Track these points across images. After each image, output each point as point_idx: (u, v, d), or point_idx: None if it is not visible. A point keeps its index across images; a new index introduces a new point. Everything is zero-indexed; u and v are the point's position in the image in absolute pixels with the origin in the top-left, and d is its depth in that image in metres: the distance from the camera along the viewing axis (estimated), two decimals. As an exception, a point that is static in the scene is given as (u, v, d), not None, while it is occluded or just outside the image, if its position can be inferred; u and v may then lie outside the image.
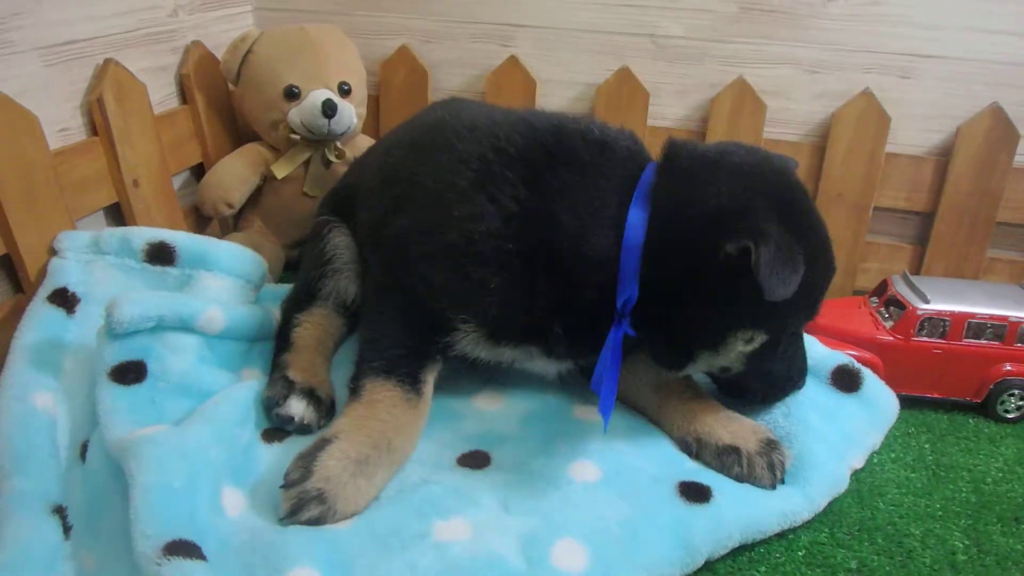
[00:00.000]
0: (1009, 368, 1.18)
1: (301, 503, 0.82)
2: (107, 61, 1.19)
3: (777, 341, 0.97)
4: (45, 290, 1.04)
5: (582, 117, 1.02)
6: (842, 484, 1.00)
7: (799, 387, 1.05)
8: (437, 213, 0.96)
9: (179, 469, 0.81)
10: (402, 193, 1.02)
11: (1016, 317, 1.16)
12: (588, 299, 0.90)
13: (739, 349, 0.97)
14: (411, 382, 0.94)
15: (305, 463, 0.84)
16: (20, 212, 1.03)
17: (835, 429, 1.03)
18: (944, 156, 1.40)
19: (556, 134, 0.96)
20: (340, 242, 1.18)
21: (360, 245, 1.14)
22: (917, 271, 1.46)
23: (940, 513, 1.01)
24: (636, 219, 0.90)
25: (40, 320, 1.01)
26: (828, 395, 1.08)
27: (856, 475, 1.05)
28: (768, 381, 1.03)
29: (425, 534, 0.83)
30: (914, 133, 1.41)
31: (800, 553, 0.93)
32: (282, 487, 0.82)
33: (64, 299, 1.04)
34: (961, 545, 0.96)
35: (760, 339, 0.96)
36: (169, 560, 0.72)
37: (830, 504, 0.99)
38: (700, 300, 0.91)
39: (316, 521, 0.81)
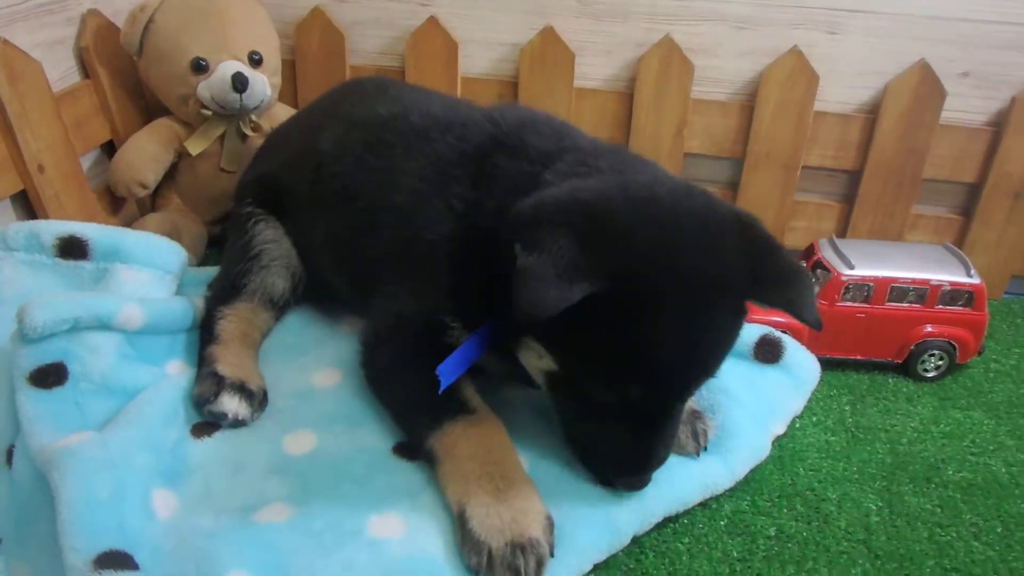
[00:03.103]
0: (930, 329, 1.25)
1: (513, 565, 0.83)
2: (-6, 40, 1.13)
3: (575, 384, 0.88)
4: (-54, 293, 0.99)
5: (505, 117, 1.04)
6: (763, 452, 1.06)
7: (609, 483, 0.93)
8: (408, 230, 1.01)
9: (104, 480, 0.83)
10: (366, 215, 1.07)
11: (937, 280, 1.23)
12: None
13: (533, 362, 0.91)
14: (457, 410, 0.95)
15: (477, 548, 0.85)
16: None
17: (757, 398, 1.10)
18: (872, 114, 1.46)
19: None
20: (267, 236, 1.20)
21: (304, 251, 1.19)
22: (844, 229, 1.54)
23: (856, 476, 1.08)
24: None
25: (-51, 325, 0.96)
26: (750, 367, 1.13)
27: (778, 441, 1.12)
28: (574, 434, 0.94)
29: (359, 531, 0.86)
30: (842, 90, 1.46)
31: (722, 522, 1.00)
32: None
33: (-29, 301, 0.98)
34: (875, 507, 1.03)
35: (548, 362, 0.88)
36: (101, 573, 0.75)
37: (752, 471, 1.05)
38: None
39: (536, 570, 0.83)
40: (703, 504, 1.01)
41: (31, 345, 0.95)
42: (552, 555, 0.85)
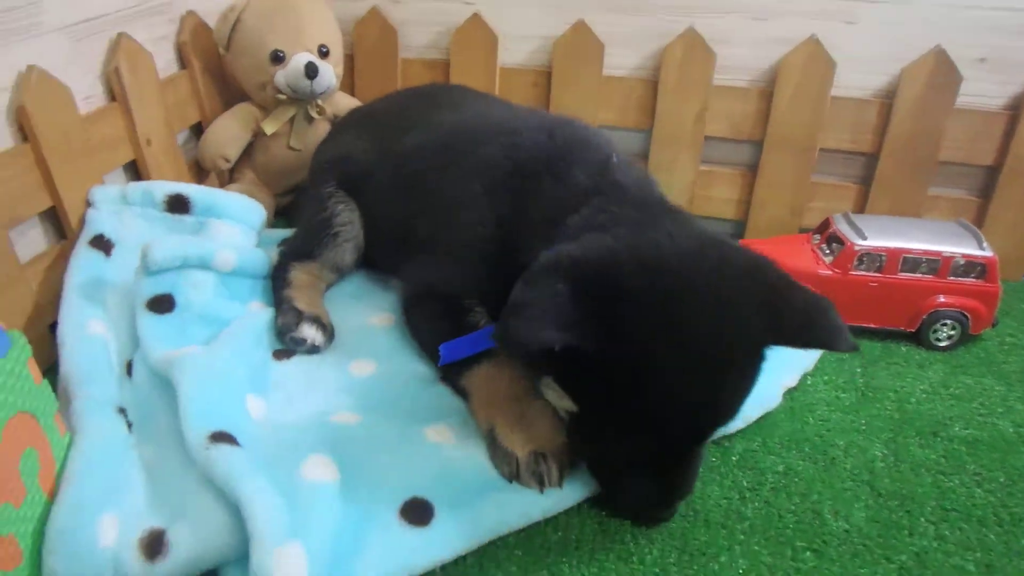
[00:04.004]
0: (942, 300, 1.27)
1: (536, 471, 0.91)
2: (120, 35, 1.33)
3: (590, 425, 0.88)
4: (85, 237, 1.21)
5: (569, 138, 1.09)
6: (773, 400, 1.11)
7: (628, 516, 0.92)
8: (457, 219, 1.10)
9: (213, 379, 0.98)
10: (426, 202, 1.17)
11: (949, 252, 1.26)
12: None
13: (555, 400, 0.92)
14: (483, 355, 1.02)
15: (507, 458, 0.93)
16: (61, 171, 1.19)
17: (770, 351, 1.09)
18: (888, 98, 1.52)
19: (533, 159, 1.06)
20: (344, 218, 1.32)
21: (371, 228, 1.31)
22: (862, 210, 1.60)
23: (864, 428, 1.11)
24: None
25: (85, 262, 1.17)
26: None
27: (790, 393, 1.16)
28: (597, 471, 0.93)
29: (418, 435, 0.99)
30: (859, 76, 1.52)
31: (734, 458, 1.04)
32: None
33: (102, 244, 1.20)
34: (880, 454, 1.06)
35: (568, 404, 0.89)
36: (214, 446, 0.87)
37: (764, 418, 1.10)
38: None
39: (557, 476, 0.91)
40: (715, 442, 1.06)
41: (150, 277, 1.12)
42: (573, 465, 0.95)
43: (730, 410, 0.85)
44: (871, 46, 1.48)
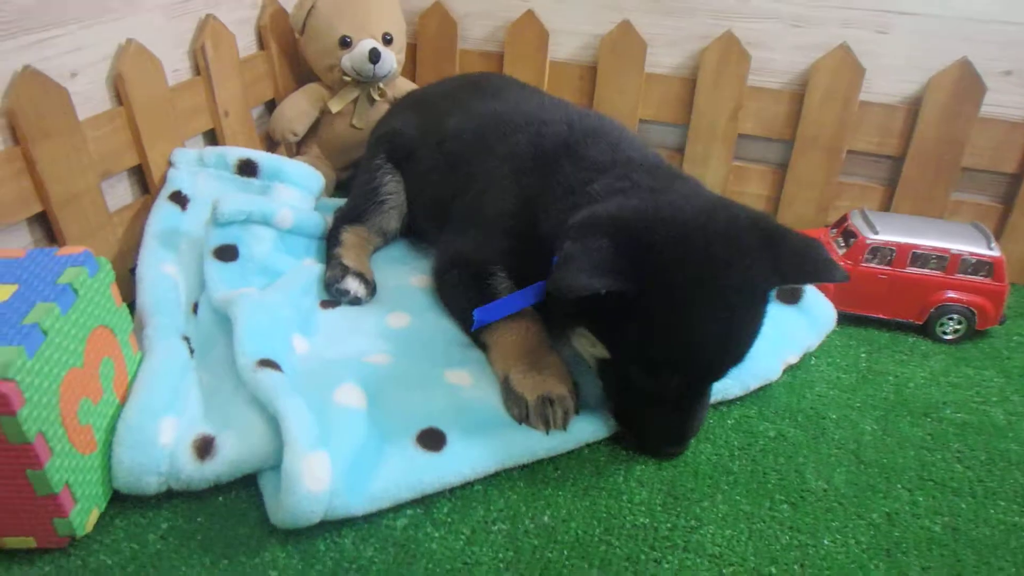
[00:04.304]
0: (950, 295, 1.30)
1: (543, 413, 0.99)
2: (207, 16, 1.46)
3: (621, 369, 0.97)
4: (165, 192, 1.34)
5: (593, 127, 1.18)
6: (773, 373, 1.16)
7: (652, 452, 1.01)
8: (487, 197, 1.20)
9: (264, 315, 1.10)
10: (463, 181, 1.27)
11: (957, 250, 1.29)
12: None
13: (587, 348, 1.01)
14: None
15: (518, 402, 1.01)
16: (149, 134, 1.33)
17: (774, 328, 1.15)
18: (915, 105, 1.55)
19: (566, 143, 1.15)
20: (391, 187, 1.43)
21: (413, 198, 1.42)
22: (886, 210, 1.59)
23: (859, 405, 1.15)
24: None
25: (163, 214, 1.30)
26: (772, 306, 1.19)
27: (791, 370, 1.21)
28: (621, 410, 1.01)
29: (439, 377, 1.08)
30: (887, 83, 1.56)
31: (729, 422, 1.10)
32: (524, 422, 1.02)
33: (179, 199, 1.34)
34: (870, 429, 1.10)
35: (600, 350, 0.98)
36: (261, 369, 0.98)
37: (762, 389, 1.15)
38: None
39: (562, 419, 1.00)
40: (713, 407, 1.11)
41: (218, 228, 1.24)
42: (577, 412, 1.03)
43: (744, 347, 0.95)
44: (900, 55, 1.50)
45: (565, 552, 0.87)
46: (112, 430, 0.90)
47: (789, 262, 0.93)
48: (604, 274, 0.86)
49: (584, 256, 0.87)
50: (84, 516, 0.85)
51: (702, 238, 0.91)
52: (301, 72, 1.73)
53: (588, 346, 1.00)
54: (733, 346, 0.94)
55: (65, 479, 0.81)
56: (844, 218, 1.39)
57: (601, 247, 0.88)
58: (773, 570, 0.86)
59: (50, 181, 1.12)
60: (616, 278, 0.86)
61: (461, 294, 1.19)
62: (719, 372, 0.97)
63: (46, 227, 1.16)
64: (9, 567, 0.83)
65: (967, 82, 1.45)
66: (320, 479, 0.84)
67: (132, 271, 1.22)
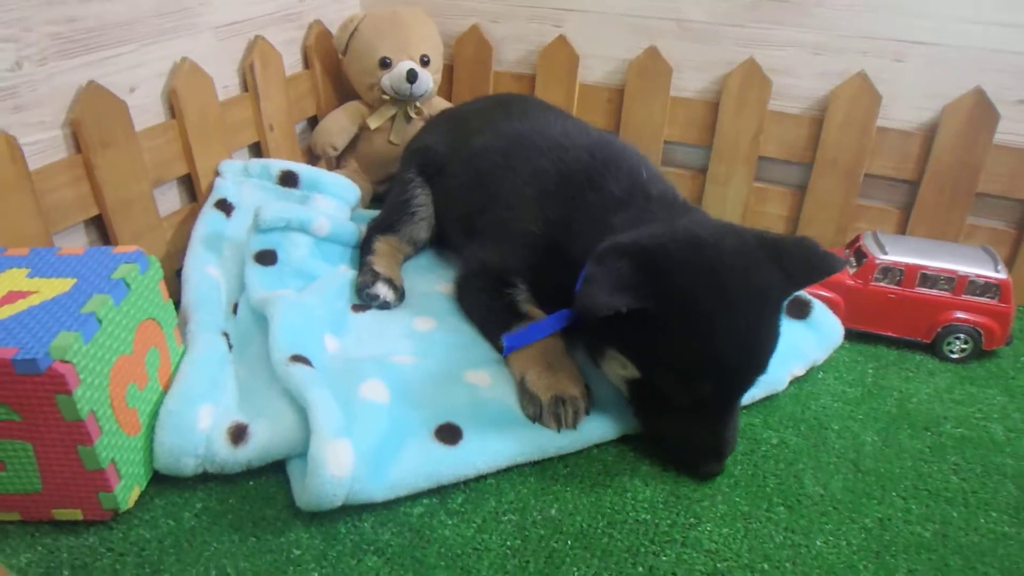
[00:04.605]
0: (957, 315, 1.31)
1: (556, 412, 1.03)
2: (256, 37, 1.53)
3: (650, 387, 0.99)
4: (211, 200, 1.40)
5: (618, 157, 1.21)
6: (780, 384, 1.18)
7: (692, 468, 1.00)
8: (511, 214, 1.24)
9: (298, 315, 1.15)
10: (488, 198, 1.31)
11: (964, 272, 1.30)
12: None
13: (617, 371, 1.03)
14: (520, 318, 1.16)
15: (532, 401, 1.05)
16: (198, 145, 1.39)
17: (781, 341, 1.17)
18: (930, 132, 1.55)
19: (588, 169, 1.19)
20: (421, 200, 1.48)
21: (441, 210, 1.46)
22: (903, 233, 1.60)
23: (861, 417, 1.17)
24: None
25: (209, 220, 1.37)
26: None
27: (798, 382, 1.23)
28: (657, 434, 1.03)
29: (459, 376, 1.12)
30: (904, 110, 1.56)
31: None
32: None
33: (224, 206, 1.40)
34: (870, 440, 1.12)
35: (631, 371, 1.00)
36: (293, 364, 1.03)
37: (768, 399, 1.18)
38: None
39: (573, 419, 1.04)
40: None
41: (259, 234, 1.30)
42: (588, 412, 1.06)
43: (767, 354, 0.98)
44: (917, 83, 1.51)
45: (569, 542, 0.90)
46: (155, 415, 0.95)
47: (794, 266, 0.98)
48: (624, 292, 0.91)
49: (605, 277, 0.92)
50: (127, 492, 0.90)
51: (716, 253, 0.95)
52: (343, 90, 1.80)
53: (619, 368, 1.02)
54: (757, 352, 0.96)
55: (111, 456, 0.87)
56: (856, 239, 1.40)
57: (621, 268, 0.93)
58: (765, 566, 0.89)
59: (107, 187, 1.19)
60: (635, 295, 0.91)
61: (482, 302, 1.24)
62: (746, 379, 0.98)
63: (101, 229, 1.23)
64: (57, 537, 0.89)
65: (981, 110, 1.46)
66: (343, 465, 0.89)
67: (178, 273, 1.28)
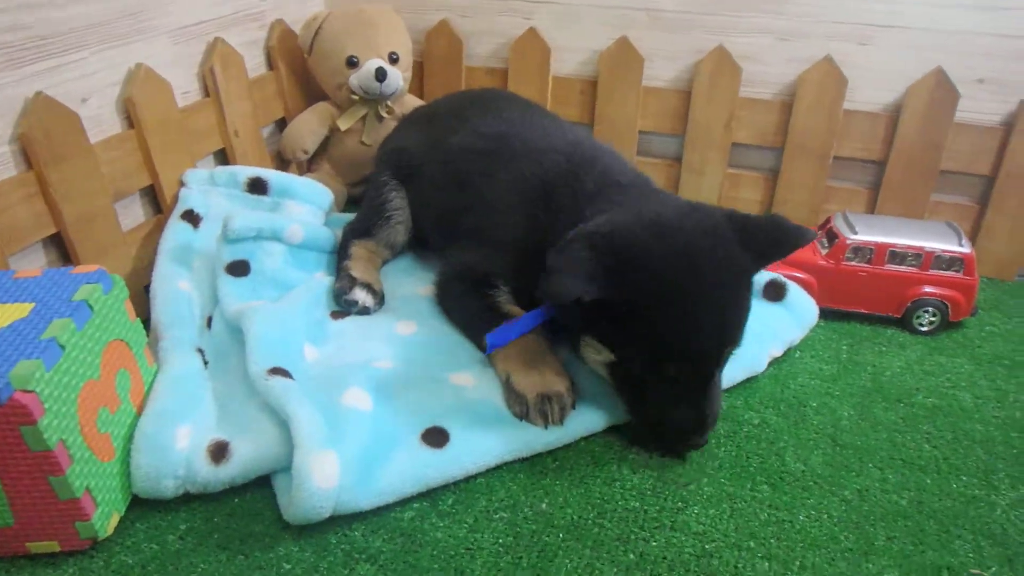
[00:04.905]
0: (926, 289, 1.32)
1: (542, 410, 1.01)
2: (216, 39, 1.47)
3: (628, 369, 0.98)
4: (177, 211, 1.33)
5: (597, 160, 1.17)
6: (759, 366, 1.18)
7: (672, 445, 1.00)
8: (491, 218, 1.21)
9: (276, 326, 1.10)
10: (470, 200, 1.26)
11: (931, 247, 1.31)
12: None
13: (594, 356, 1.02)
14: (503, 318, 1.12)
15: (519, 400, 1.03)
16: (160, 155, 1.33)
17: (760, 324, 1.17)
18: (895, 113, 1.56)
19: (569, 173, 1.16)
20: (397, 203, 1.43)
21: (418, 212, 1.41)
22: (872, 212, 1.61)
23: (838, 393, 1.18)
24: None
25: (176, 232, 1.30)
26: (758, 303, 1.21)
27: (776, 362, 1.23)
28: (640, 413, 1.01)
29: (444, 379, 1.09)
30: (869, 92, 1.56)
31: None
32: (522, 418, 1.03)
33: (191, 217, 1.33)
34: (847, 414, 1.13)
35: (606, 356, 0.99)
36: (272, 377, 0.99)
37: (748, 381, 1.18)
38: None
39: (559, 415, 1.02)
40: None
41: (229, 245, 1.23)
42: (574, 407, 1.04)
43: (737, 329, 0.98)
44: (881, 66, 1.51)
45: (561, 535, 0.89)
46: (130, 438, 0.91)
47: (762, 241, 0.97)
48: (588, 279, 0.90)
49: (567, 265, 0.92)
50: (105, 519, 0.86)
51: (679, 233, 0.95)
52: (310, 91, 1.74)
53: (595, 354, 1.01)
54: (726, 328, 0.96)
55: (86, 484, 0.82)
56: (827, 220, 1.40)
57: (582, 256, 0.92)
58: (752, 544, 0.89)
59: (64, 203, 1.12)
60: (596, 283, 0.90)
61: (465, 303, 1.21)
62: (717, 354, 0.97)
63: (61, 248, 1.16)
64: (34, 571, 0.84)
65: (942, 90, 1.47)
66: (329, 476, 0.85)
67: (147, 289, 1.22)
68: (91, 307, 0.86)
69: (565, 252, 0.93)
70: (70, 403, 0.80)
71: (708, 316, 0.93)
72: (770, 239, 0.98)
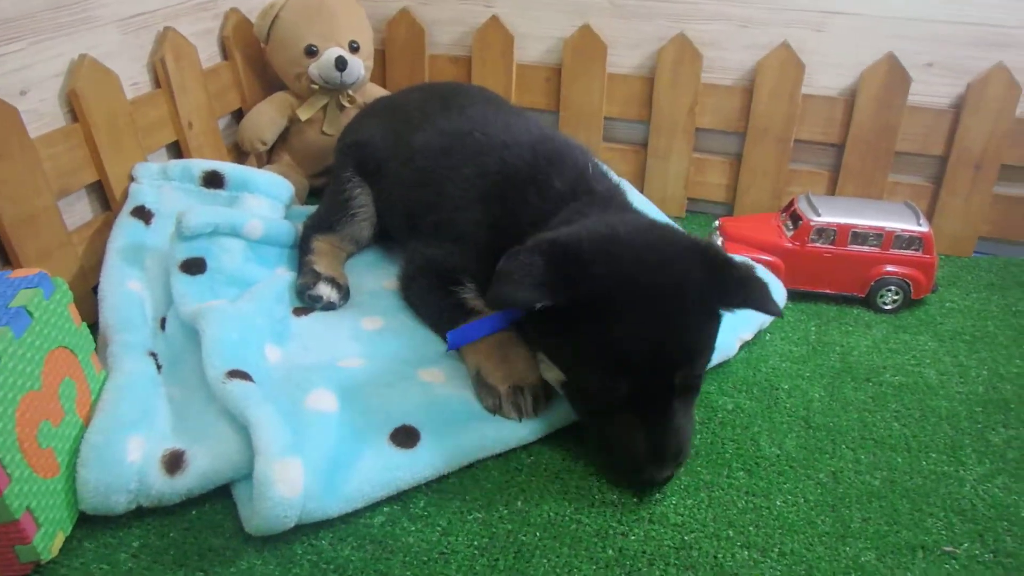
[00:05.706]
0: (888, 269, 1.28)
1: (515, 402, 0.94)
2: (166, 28, 1.35)
3: (583, 388, 0.90)
4: (127, 207, 1.21)
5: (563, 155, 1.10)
6: (730, 350, 1.13)
7: (627, 475, 0.88)
8: (456, 215, 1.12)
9: (234, 327, 1.00)
10: (434, 197, 1.17)
11: (891, 227, 1.27)
12: None
13: (550, 375, 0.95)
14: (468, 314, 1.06)
15: (490, 393, 0.95)
16: (108, 149, 1.20)
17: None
18: (851, 97, 1.53)
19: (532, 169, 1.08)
20: (362, 200, 1.33)
21: (383, 208, 1.32)
22: (832, 193, 1.58)
23: (808, 375, 1.14)
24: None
25: (126, 230, 1.18)
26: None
27: (747, 346, 1.18)
28: (593, 437, 0.92)
29: (412, 375, 1.01)
30: (827, 77, 1.53)
31: None
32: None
33: (143, 214, 1.21)
34: (818, 396, 1.09)
35: (557, 373, 0.92)
36: (231, 380, 0.90)
37: (721, 365, 1.13)
38: None
39: (533, 406, 0.95)
40: None
41: (183, 242, 1.12)
42: (549, 398, 0.97)
43: (688, 352, 0.87)
44: (836, 51, 1.48)
45: (538, 534, 0.83)
46: (76, 451, 0.80)
47: (731, 287, 0.89)
48: (533, 287, 0.84)
49: (516, 271, 0.85)
50: (48, 541, 0.76)
51: (631, 248, 0.88)
52: (269, 80, 1.62)
53: (549, 372, 0.95)
54: (673, 348, 0.85)
55: (26, 504, 0.72)
56: (791, 203, 1.36)
57: (533, 263, 0.86)
58: (731, 532, 0.85)
59: (2, 203, 1.00)
60: (544, 290, 0.84)
61: (430, 299, 1.12)
62: (667, 378, 0.85)
63: (1, 250, 1.04)
64: (-29, 600, 0.75)
65: (895, 74, 1.44)
66: (293, 484, 0.77)
67: (95, 291, 1.11)
68: (31, 313, 0.76)
69: (515, 259, 0.87)
70: (7, 418, 0.70)
71: (657, 332, 0.84)
72: (738, 282, 0.89)
